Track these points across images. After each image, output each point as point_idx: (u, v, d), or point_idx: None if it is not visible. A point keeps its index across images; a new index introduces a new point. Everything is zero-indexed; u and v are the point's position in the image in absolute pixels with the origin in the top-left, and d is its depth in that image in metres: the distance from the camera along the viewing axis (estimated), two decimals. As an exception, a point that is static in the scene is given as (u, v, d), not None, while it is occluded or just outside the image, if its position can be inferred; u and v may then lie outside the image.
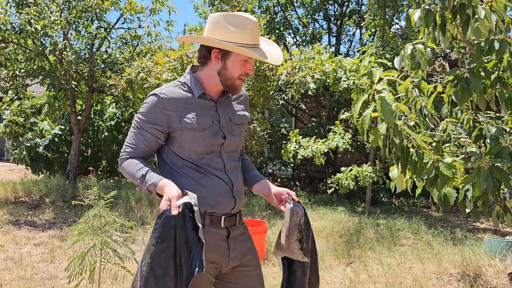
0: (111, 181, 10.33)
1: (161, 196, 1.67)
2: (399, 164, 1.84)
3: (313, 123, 9.72)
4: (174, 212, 1.55)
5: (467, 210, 2.38)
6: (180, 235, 1.57)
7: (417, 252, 4.76)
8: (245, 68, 1.78)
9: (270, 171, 10.74)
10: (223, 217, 1.78)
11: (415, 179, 2.13)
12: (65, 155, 10.99)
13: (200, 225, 1.58)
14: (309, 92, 6.20)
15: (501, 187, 1.81)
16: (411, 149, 1.81)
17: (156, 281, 1.52)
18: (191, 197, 1.62)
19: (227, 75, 1.79)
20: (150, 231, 5.77)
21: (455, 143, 2.81)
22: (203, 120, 1.77)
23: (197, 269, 1.54)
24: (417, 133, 1.87)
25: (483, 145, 2.48)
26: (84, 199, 3.51)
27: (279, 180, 10.40)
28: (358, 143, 8.84)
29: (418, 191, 2.42)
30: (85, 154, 11.27)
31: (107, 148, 11.23)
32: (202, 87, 1.82)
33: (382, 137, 1.74)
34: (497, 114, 2.89)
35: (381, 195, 8.69)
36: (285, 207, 1.83)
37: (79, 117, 9.41)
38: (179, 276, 1.55)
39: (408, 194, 9.55)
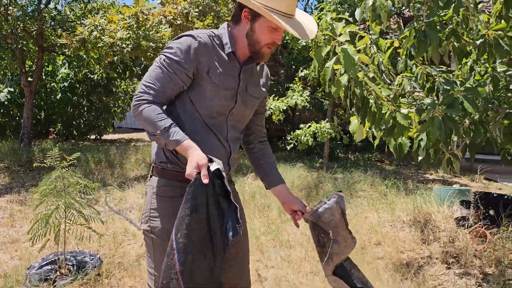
0: (68, 144, 10.06)
1: (176, 152, 1.67)
2: (359, 114, 1.94)
3: (272, 82, 9.76)
4: (206, 181, 1.52)
5: (420, 158, 2.54)
6: (212, 202, 1.55)
7: (373, 202, 5.04)
8: (273, 36, 1.69)
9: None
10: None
11: (374, 130, 2.25)
12: (17, 118, 10.54)
13: (230, 190, 1.56)
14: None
15: (452, 135, 1.95)
16: (370, 100, 1.90)
17: (197, 249, 1.50)
18: (217, 163, 1.58)
19: (254, 39, 1.70)
20: (112, 192, 5.75)
21: (410, 96, 2.95)
22: (228, 80, 1.72)
23: (231, 233, 1.53)
24: (376, 85, 1.96)
25: (435, 98, 2.63)
26: (44, 161, 3.44)
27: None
28: (316, 100, 9.01)
29: (377, 141, 2.55)
30: (39, 117, 10.85)
31: (61, 111, 10.86)
32: (234, 45, 1.74)
33: (343, 88, 1.81)
34: (448, 68, 3.05)
35: (338, 151, 8.99)
36: (297, 222, 1.92)
37: (29, 79, 8.98)
38: (216, 244, 1.53)
39: (363, 149, 9.92)
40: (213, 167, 1.57)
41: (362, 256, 3.63)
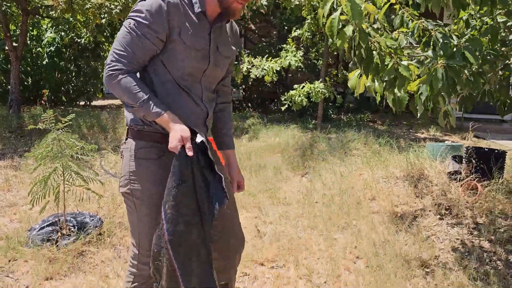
0: (58, 110, 9.94)
1: (156, 125, 1.66)
2: (362, 66, 1.94)
3: (264, 43, 9.63)
4: (190, 153, 1.54)
5: (419, 113, 2.58)
6: (197, 174, 1.58)
7: (367, 160, 5.11)
8: None
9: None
10: None
11: (376, 83, 2.26)
12: (3, 84, 10.34)
13: (214, 161, 1.59)
14: (261, 9, 6.10)
15: (454, 86, 1.97)
16: (374, 52, 1.90)
17: (184, 219, 1.54)
18: (200, 135, 1.61)
19: (228, 2, 1.65)
20: (106, 156, 5.76)
21: (406, 52, 2.95)
22: (199, 41, 1.68)
23: (217, 203, 1.57)
24: (380, 36, 1.96)
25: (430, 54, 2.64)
26: (37, 125, 3.42)
27: (231, 102, 10.43)
28: (309, 61, 8.95)
29: (378, 97, 2.56)
30: (26, 83, 10.64)
31: (49, 76, 10.65)
32: (204, 4, 1.68)
33: (347, 40, 1.81)
34: (444, 22, 3.04)
35: (331, 112, 9.01)
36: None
37: (15, 44, 8.74)
38: (203, 214, 1.58)
39: (355, 110, 9.96)
40: (198, 139, 1.60)
41: (357, 210, 3.72)
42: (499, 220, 3.24)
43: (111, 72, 1.62)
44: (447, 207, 3.53)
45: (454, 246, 3.07)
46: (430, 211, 3.56)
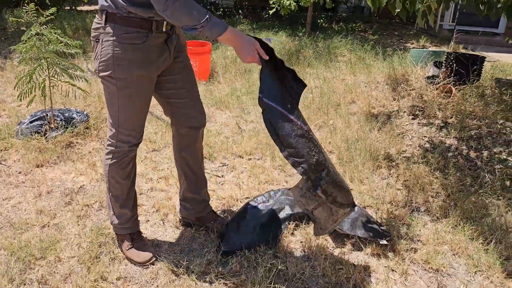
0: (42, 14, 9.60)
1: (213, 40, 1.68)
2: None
3: None
4: (266, 57, 1.67)
5: (397, 11, 2.60)
6: (279, 72, 1.73)
7: (351, 66, 5.17)
8: None
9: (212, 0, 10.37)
10: (164, 22, 1.81)
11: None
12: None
13: (281, 59, 1.74)
14: None
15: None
16: None
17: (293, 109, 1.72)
18: (265, 40, 1.75)
19: None
20: (92, 59, 5.73)
21: None
22: None
23: (301, 84, 1.77)
24: None
25: None
26: (20, 21, 3.38)
27: (221, 9, 10.14)
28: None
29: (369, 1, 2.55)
30: (7, -16, 10.15)
31: (29, -24, 10.12)
32: None
33: None
34: None
35: (322, 20, 8.84)
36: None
37: None
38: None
39: (348, 19, 9.75)
40: (268, 44, 1.73)
41: (336, 111, 3.86)
42: (467, 120, 3.40)
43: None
44: (421, 109, 3.68)
45: (421, 143, 3.26)
46: (404, 112, 3.71)
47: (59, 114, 3.60)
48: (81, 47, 6.36)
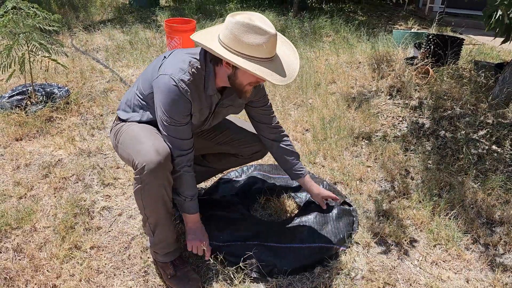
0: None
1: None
2: None
3: None
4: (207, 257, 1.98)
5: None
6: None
7: (335, 46, 5.20)
8: (256, 78, 1.69)
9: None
10: None
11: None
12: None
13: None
14: None
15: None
16: None
17: None
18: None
19: (236, 82, 1.74)
20: (78, 34, 5.70)
21: None
22: (202, 115, 1.85)
23: None
24: None
25: None
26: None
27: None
28: None
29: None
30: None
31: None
32: (215, 83, 1.78)
33: None
34: None
35: (312, 0, 8.78)
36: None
37: None
38: None
39: (338, 0, 9.69)
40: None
41: (315, 91, 3.92)
42: (441, 101, 3.48)
43: (179, 163, 1.80)
44: (398, 89, 3.74)
45: (395, 123, 3.34)
46: (382, 92, 3.77)
47: (40, 89, 3.62)
48: (66, 23, 6.34)
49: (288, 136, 2.19)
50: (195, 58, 1.75)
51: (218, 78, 1.79)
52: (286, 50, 1.79)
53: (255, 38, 1.59)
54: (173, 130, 1.75)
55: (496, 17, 2.93)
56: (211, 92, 1.79)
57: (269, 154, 2.53)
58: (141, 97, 1.88)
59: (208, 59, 1.76)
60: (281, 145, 2.14)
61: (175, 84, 1.68)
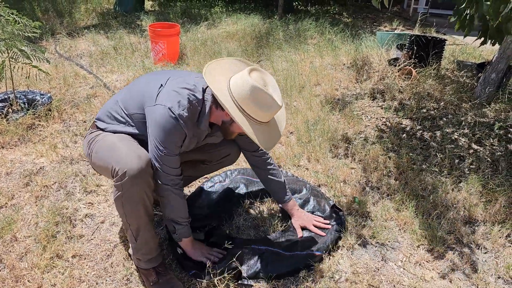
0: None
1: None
2: None
3: None
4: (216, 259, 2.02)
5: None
6: None
7: (319, 49, 5.22)
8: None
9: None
10: None
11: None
12: None
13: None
14: None
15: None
16: None
17: None
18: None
19: (228, 128, 1.85)
20: (61, 40, 5.65)
21: None
22: (191, 144, 1.88)
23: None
24: None
25: None
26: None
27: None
28: None
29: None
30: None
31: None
32: (207, 122, 1.83)
33: None
34: None
35: (296, 3, 8.82)
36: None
37: None
38: None
39: (323, 2, 9.75)
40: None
41: (300, 93, 3.93)
42: (424, 101, 3.51)
43: (172, 185, 1.84)
44: (381, 91, 3.77)
45: (378, 124, 3.36)
46: (365, 94, 3.79)
47: (22, 96, 3.58)
48: (50, 29, 6.29)
49: (273, 163, 2.25)
50: (194, 96, 1.79)
51: (212, 117, 1.86)
52: (280, 115, 1.96)
53: (263, 106, 1.73)
54: (166, 160, 1.79)
55: (462, 17, 2.95)
56: (204, 128, 1.85)
57: (243, 158, 2.55)
58: (126, 112, 1.88)
59: (210, 96, 1.82)
60: (268, 176, 2.23)
61: (174, 116, 1.73)
